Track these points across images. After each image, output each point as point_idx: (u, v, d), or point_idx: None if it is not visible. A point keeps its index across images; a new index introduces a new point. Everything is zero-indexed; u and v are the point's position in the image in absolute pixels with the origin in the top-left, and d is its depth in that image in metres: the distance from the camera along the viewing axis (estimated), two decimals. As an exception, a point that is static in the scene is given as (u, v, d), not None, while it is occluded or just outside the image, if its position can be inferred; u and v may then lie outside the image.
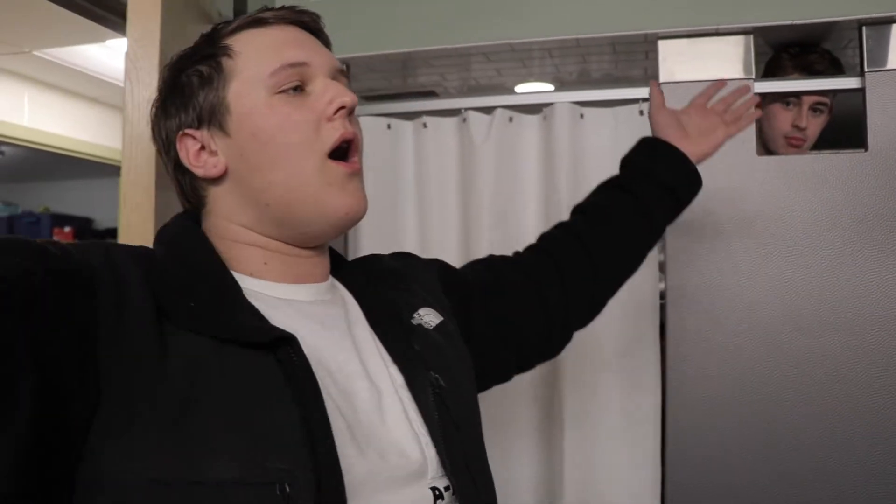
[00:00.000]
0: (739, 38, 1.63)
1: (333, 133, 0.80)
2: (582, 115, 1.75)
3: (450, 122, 1.83)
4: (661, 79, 1.65)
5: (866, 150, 1.55)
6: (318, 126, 0.80)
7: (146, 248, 0.79)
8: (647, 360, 1.67)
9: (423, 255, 1.08)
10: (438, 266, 1.06)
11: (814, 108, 1.75)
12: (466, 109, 1.80)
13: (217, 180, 0.82)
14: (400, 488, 0.73)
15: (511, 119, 1.78)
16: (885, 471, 1.49)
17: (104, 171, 5.31)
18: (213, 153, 0.81)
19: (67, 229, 6.17)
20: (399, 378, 0.82)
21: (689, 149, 1.18)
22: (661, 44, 1.66)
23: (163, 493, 0.61)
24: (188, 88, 0.82)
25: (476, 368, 0.94)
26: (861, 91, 1.56)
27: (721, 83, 1.30)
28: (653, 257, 1.69)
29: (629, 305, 1.68)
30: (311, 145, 0.80)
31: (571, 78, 2.29)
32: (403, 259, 1.04)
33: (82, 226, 6.41)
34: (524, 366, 1.12)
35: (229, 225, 0.83)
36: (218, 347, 0.69)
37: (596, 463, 1.68)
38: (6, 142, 4.48)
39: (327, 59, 0.85)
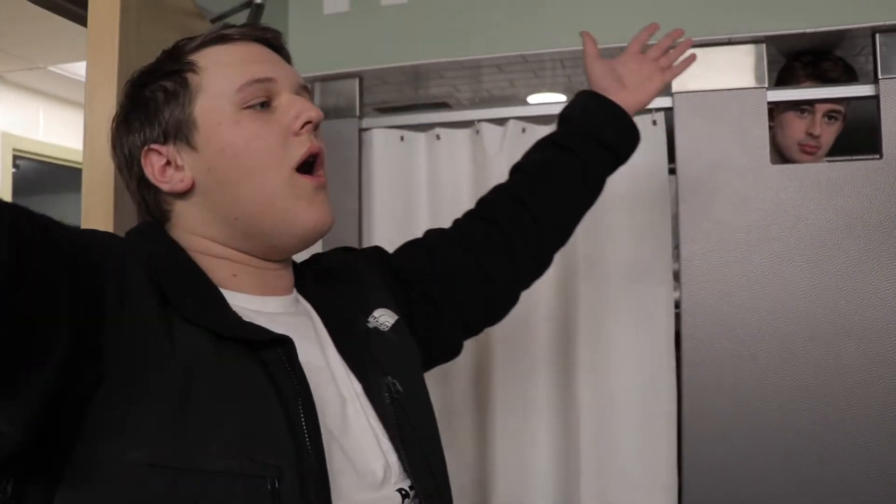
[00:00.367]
0: (752, 47, 1.63)
1: (301, 147, 0.82)
2: (595, 126, 1.75)
3: (463, 134, 1.83)
4: (674, 88, 1.65)
5: (881, 157, 1.55)
6: (286, 140, 0.82)
7: (135, 241, 0.81)
8: (663, 370, 1.66)
9: None
10: (379, 257, 1.07)
11: (828, 116, 1.75)
12: (479, 121, 1.80)
13: (183, 195, 0.83)
14: (370, 493, 0.76)
15: (524, 130, 1.78)
16: (904, 480, 1.48)
17: (118, 184, 5.33)
18: (179, 168, 0.82)
19: (82, 243, 6.18)
20: (358, 386, 0.84)
21: (626, 100, 1.17)
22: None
23: (160, 477, 0.64)
24: (153, 104, 0.83)
25: (423, 352, 0.97)
26: (875, 98, 1.56)
27: (654, 26, 1.27)
28: (667, 267, 1.69)
29: (644, 315, 1.68)
30: (280, 159, 0.81)
31: (583, 88, 2.30)
32: (347, 254, 1.05)
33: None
34: (471, 334, 1.13)
35: (196, 238, 0.84)
36: (216, 343, 0.71)
37: (612, 473, 1.67)
38: (21, 156, 4.51)
39: (291, 75, 0.86)
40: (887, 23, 1.54)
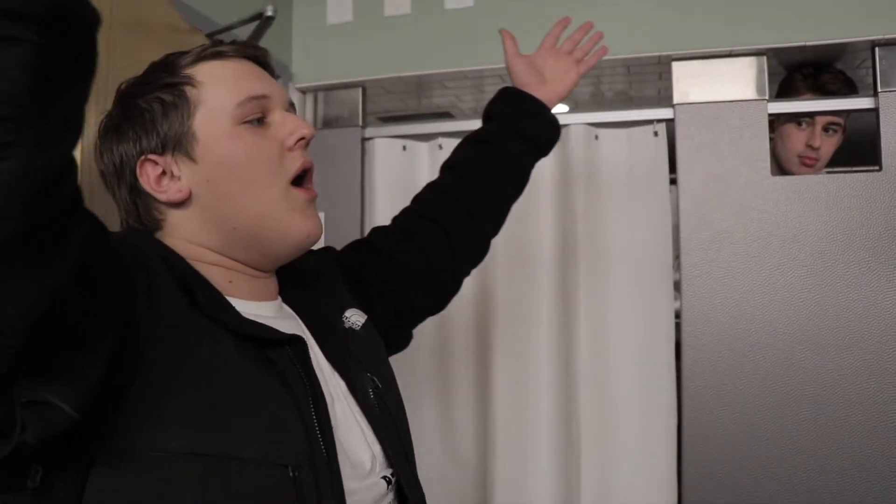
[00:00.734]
0: (753, 60, 1.64)
1: (295, 162, 0.86)
2: (597, 137, 1.76)
3: (465, 143, 1.84)
4: (675, 100, 1.66)
5: (880, 169, 1.56)
6: (281, 155, 0.86)
7: (144, 244, 0.83)
8: (663, 380, 1.67)
9: None
10: (336, 258, 1.11)
11: (827, 128, 1.76)
12: (481, 130, 1.81)
13: (179, 204, 0.85)
14: (361, 482, 0.82)
15: (526, 140, 1.79)
16: (904, 491, 1.48)
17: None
18: (176, 178, 0.84)
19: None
20: (342, 384, 0.88)
21: (547, 94, 1.25)
22: (675, 65, 1.68)
23: (198, 464, 0.68)
24: (149, 114, 0.84)
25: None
26: (875, 111, 1.57)
27: (566, 20, 1.34)
28: (668, 277, 1.70)
29: (644, 325, 1.69)
30: (277, 173, 0.85)
31: (585, 98, 2.31)
32: (313, 257, 1.07)
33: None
34: (416, 324, 1.18)
35: (191, 246, 0.86)
36: (235, 341, 0.76)
37: (612, 482, 1.68)
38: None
39: (282, 93, 0.90)
40: (887, 36, 1.55)
